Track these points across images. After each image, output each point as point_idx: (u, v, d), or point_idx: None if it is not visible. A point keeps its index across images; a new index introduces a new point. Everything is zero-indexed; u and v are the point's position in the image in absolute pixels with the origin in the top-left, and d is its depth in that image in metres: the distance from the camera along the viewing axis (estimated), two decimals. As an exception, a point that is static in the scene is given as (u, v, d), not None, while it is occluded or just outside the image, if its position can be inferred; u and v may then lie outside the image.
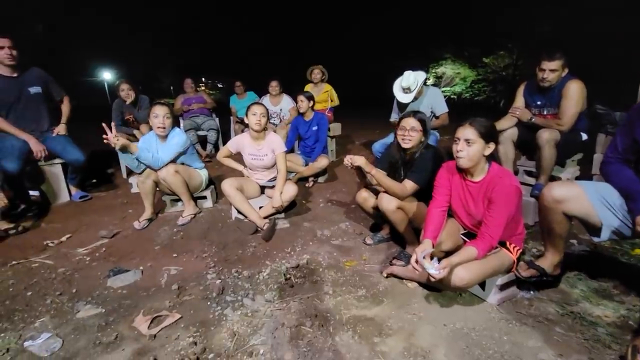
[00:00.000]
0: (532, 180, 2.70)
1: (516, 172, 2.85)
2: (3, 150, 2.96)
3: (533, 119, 2.60)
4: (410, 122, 2.01)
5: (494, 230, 1.54)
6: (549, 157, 2.45)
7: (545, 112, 2.60)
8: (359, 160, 1.99)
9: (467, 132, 1.57)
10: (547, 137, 2.41)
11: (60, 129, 3.30)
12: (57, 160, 3.31)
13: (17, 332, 1.62)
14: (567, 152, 2.63)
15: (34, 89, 3.12)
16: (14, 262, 2.27)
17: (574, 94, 2.41)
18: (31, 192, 3.24)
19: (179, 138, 2.79)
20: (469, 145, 1.57)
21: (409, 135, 2.02)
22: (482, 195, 1.64)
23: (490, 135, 1.58)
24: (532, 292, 1.76)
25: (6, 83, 2.98)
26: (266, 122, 2.69)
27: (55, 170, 3.34)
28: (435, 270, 1.49)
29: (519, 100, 2.74)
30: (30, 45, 11.21)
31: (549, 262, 1.67)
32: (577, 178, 2.77)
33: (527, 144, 2.66)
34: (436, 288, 1.79)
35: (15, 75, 3.01)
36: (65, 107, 3.41)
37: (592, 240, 1.55)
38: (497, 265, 1.62)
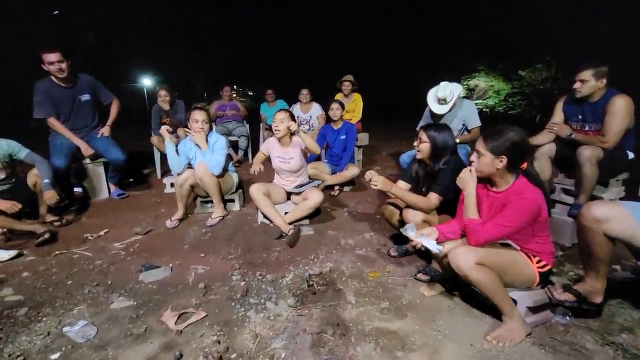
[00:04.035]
0: (570, 199, 2.56)
1: (553, 190, 2.71)
2: (53, 148, 3.24)
3: (572, 135, 2.47)
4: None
5: (488, 227, 1.54)
6: (590, 176, 2.32)
7: (587, 128, 2.47)
8: (379, 184, 1.99)
9: (478, 144, 1.62)
10: (588, 155, 2.28)
11: (105, 130, 3.54)
12: (101, 159, 3.55)
13: (57, 318, 1.73)
14: (610, 171, 2.47)
15: (84, 97, 3.39)
16: (57, 252, 2.45)
17: (620, 110, 2.27)
18: (75, 188, 3.49)
19: (220, 140, 2.94)
20: (478, 157, 1.61)
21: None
22: (500, 206, 1.60)
23: (500, 148, 1.54)
24: (568, 317, 1.65)
25: (63, 93, 3.26)
26: (286, 128, 2.72)
27: (97, 169, 3.57)
28: (435, 248, 1.65)
29: (558, 115, 2.62)
30: (84, 54, 12.16)
31: (588, 288, 1.55)
32: (622, 199, 2.59)
33: (566, 161, 2.53)
34: (459, 304, 1.72)
35: (70, 85, 3.28)
36: (114, 109, 3.66)
37: (638, 265, 1.44)
38: (507, 259, 1.56)
